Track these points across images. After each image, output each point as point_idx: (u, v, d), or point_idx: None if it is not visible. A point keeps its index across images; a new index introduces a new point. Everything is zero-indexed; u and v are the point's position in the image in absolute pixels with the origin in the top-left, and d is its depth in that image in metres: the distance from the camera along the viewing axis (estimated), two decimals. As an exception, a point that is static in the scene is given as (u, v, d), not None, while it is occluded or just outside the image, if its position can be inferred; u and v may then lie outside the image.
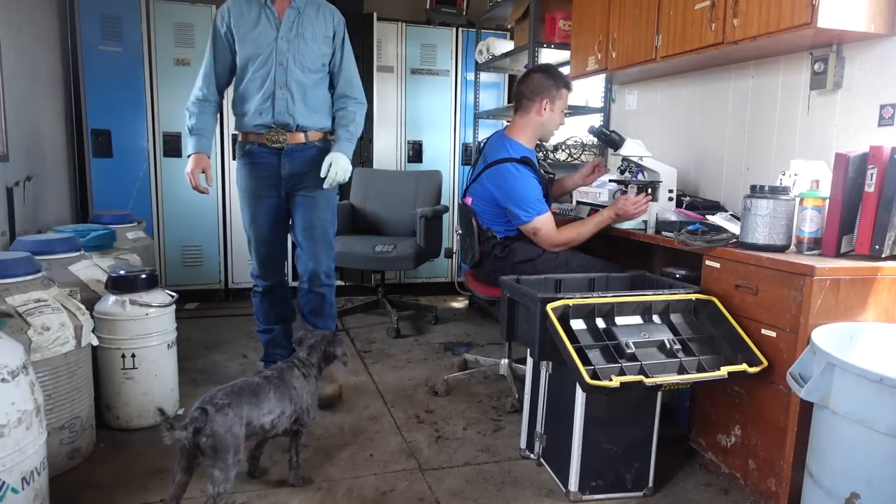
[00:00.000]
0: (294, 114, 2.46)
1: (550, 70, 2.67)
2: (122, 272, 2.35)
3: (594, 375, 1.71)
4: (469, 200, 2.71)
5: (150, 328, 2.32)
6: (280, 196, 2.56)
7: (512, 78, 4.67)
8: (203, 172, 2.49)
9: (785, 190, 1.95)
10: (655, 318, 1.97)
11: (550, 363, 2.05)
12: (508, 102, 4.67)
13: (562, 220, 2.67)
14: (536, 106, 2.59)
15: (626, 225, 2.54)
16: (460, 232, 2.88)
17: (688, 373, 1.79)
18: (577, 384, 1.76)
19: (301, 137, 2.50)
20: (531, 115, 2.61)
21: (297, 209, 2.57)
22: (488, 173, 2.59)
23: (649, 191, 2.56)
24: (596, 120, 3.63)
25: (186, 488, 1.68)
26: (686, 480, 2.06)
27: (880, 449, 1.42)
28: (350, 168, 2.48)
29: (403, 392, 2.77)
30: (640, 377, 1.73)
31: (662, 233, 2.38)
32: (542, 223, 2.50)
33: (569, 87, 2.67)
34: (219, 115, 2.65)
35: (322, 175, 2.43)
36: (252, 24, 2.44)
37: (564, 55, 3.57)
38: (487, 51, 4.13)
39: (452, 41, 4.50)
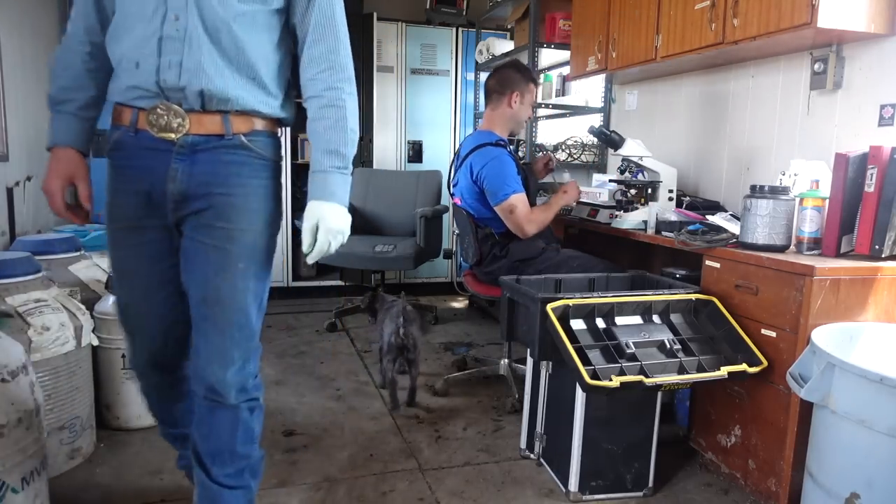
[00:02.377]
0: (199, 72, 1.30)
1: (518, 66, 2.79)
2: (122, 272, 2.34)
3: (594, 375, 1.71)
4: (458, 200, 2.73)
5: (150, 328, 2.32)
6: (167, 228, 1.42)
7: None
8: (73, 185, 1.43)
9: (785, 190, 1.95)
10: (655, 318, 1.97)
11: (550, 363, 2.04)
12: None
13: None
14: (507, 98, 2.68)
15: (626, 225, 2.54)
16: (457, 232, 2.88)
17: (688, 373, 1.79)
18: (577, 384, 1.76)
19: (213, 123, 1.35)
20: (503, 108, 2.70)
21: (192, 263, 1.41)
22: (468, 162, 2.64)
23: (650, 190, 2.57)
24: (596, 120, 3.63)
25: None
26: (686, 480, 2.06)
27: (880, 449, 1.42)
28: (348, 226, 1.42)
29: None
30: (640, 377, 1.73)
31: (662, 233, 2.38)
32: (519, 201, 2.52)
33: (536, 82, 2.80)
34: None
35: (305, 249, 1.39)
36: None
37: (564, 55, 3.57)
38: (487, 51, 4.13)
39: (452, 41, 4.50)
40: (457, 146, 4.57)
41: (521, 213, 2.53)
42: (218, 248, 1.38)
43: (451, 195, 2.83)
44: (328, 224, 1.37)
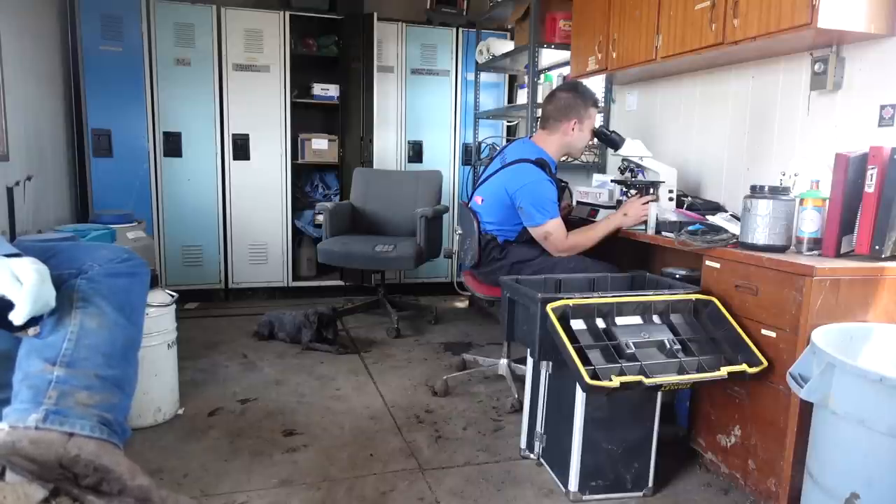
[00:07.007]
0: None
1: (578, 88, 2.68)
2: (122, 272, 2.34)
3: (594, 375, 1.71)
4: (479, 199, 2.71)
5: (150, 328, 2.31)
6: None
7: (512, 78, 4.67)
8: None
9: (785, 190, 1.95)
10: (655, 319, 1.97)
11: (550, 363, 2.04)
12: (509, 103, 4.67)
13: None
14: (564, 126, 2.61)
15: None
16: (460, 232, 2.88)
17: (688, 373, 1.79)
18: (577, 384, 1.76)
19: None
20: (558, 135, 2.63)
21: None
22: (506, 172, 2.60)
23: (651, 190, 2.57)
24: (596, 120, 3.63)
25: None
26: (686, 480, 2.06)
27: (880, 449, 1.42)
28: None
29: (403, 392, 2.77)
30: (640, 377, 1.73)
31: (662, 233, 2.38)
32: (554, 227, 2.51)
33: (597, 105, 2.68)
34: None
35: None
36: None
37: (564, 55, 3.57)
38: (488, 51, 4.13)
39: (452, 41, 4.50)
40: (456, 145, 4.59)
41: (556, 239, 2.51)
42: None
43: (475, 188, 2.78)
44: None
